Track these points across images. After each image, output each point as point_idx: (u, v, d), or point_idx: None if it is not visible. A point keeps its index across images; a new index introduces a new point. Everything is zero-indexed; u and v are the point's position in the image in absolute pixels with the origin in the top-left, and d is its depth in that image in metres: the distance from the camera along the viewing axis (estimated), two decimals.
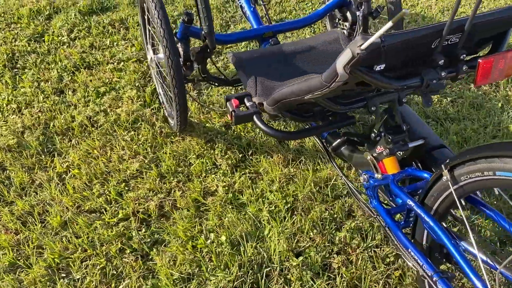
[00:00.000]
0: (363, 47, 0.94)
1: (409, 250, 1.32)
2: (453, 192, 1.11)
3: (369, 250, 1.67)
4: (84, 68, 2.55)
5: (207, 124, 2.19)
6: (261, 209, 1.80)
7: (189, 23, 1.88)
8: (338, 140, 1.66)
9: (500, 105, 2.31)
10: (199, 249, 1.66)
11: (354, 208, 1.81)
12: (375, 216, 1.52)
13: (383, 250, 1.66)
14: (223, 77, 1.98)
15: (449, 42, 1.05)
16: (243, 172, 1.96)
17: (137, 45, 2.69)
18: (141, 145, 2.08)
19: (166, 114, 2.21)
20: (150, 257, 1.65)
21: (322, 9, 2.21)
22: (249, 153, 2.05)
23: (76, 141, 2.11)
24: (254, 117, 1.60)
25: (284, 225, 1.73)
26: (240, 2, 2.27)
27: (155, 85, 2.34)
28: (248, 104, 1.64)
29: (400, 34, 0.96)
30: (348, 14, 2.22)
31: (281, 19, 2.94)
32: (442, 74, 1.07)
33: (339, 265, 1.62)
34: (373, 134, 1.38)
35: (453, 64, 1.08)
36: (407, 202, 1.26)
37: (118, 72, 2.50)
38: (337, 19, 2.29)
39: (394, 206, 1.51)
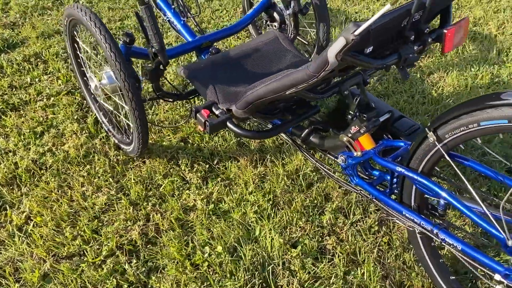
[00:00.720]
0: (357, 32, 1.03)
1: (404, 212, 1.45)
2: (440, 149, 1.26)
3: (355, 225, 1.79)
4: (10, 110, 2.34)
5: (163, 143, 2.15)
6: (245, 212, 1.82)
7: (131, 44, 1.84)
8: (306, 131, 1.75)
9: (418, 75, 2.59)
10: (199, 265, 1.64)
11: (328, 191, 1.92)
12: (359, 192, 1.63)
13: (366, 222, 1.79)
14: (177, 92, 1.97)
15: (413, 19, 1.19)
16: (215, 181, 1.96)
17: (63, 77, 2.54)
18: (101, 177, 1.98)
19: (117, 142, 2.13)
20: (150, 286, 1.59)
21: (251, 13, 2.29)
22: (215, 162, 2.06)
23: (28, 188, 1.94)
24: (228, 123, 1.63)
25: (273, 222, 1.77)
26: (168, 18, 2.27)
27: (95, 115, 2.24)
28: (217, 112, 1.66)
29: (381, 17, 1.06)
30: (275, 15, 2.33)
31: (202, 29, 2.97)
32: (415, 48, 1.21)
33: (333, 245, 1.71)
34: (349, 116, 1.49)
35: (420, 38, 1.22)
36: (396, 169, 1.39)
37: (50, 108, 2.34)
38: (264, 21, 2.39)
39: (373, 178, 1.65)
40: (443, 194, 1.28)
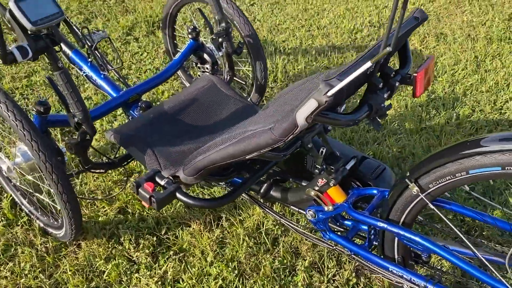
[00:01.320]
0: (330, 93, 0.88)
1: (390, 268, 1.31)
2: (425, 199, 1.13)
3: (332, 282, 1.62)
4: None
5: (99, 218, 1.86)
6: None
7: (46, 113, 1.56)
8: (265, 185, 1.58)
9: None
10: None
11: (296, 244, 1.74)
12: (334, 247, 1.48)
13: (343, 275, 1.63)
14: (108, 160, 1.70)
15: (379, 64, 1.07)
16: (167, 256, 1.71)
17: None
18: (29, 275, 1.65)
19: (42, 225, 1.80)
20: None
21: (179, 57, 2.09)
22: (163, 232, 1.80)
23: None
24: (178, 194, 1.41)
25: None
26: (85, 72, 2.00)
27: (11, 196, 1.89)
28: (162, 182, 1.43)
29: (349, 71, 0.92)
30: (206, 56, 2.15)
31: (125, 78, 2.71)
32: (385, 96, 1.08)
33: None
34: (316, 170, 1.34)
35: (387, 83, 1.10)
36: (377, 225, 1.25)
37: None
38: (194, 63, 2.20)
39: (346, 230, 1.50)
40: (435, 249, 1.15)
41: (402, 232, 1.19)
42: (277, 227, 1.80)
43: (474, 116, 2.38)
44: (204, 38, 2.15)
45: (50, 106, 1.57)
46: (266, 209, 1.61)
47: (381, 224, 1.23)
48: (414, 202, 1.17)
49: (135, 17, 3.22)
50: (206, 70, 2.18)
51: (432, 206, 1.13)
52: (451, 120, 2.35)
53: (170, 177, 1.45)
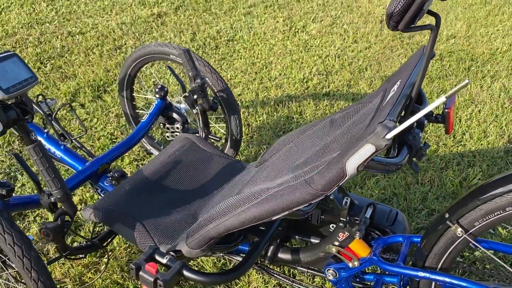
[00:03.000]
0: (389, 136, 0.80)
1: None
2: (468, 238, 1.07)
3: None
4: None
5: None
6: None
7: (9, 196, 1.33)
8: (272, 248, 1.43)
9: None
10: None
11: None
12: None
13: None
14: (87, 242, 1.46)
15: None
16: None
17: None
18: None
19: None
20: None
21: (147, 119, 1.95)
22: None
23: None
24: (185, 272, 1.22)
25: None
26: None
27: None
28: (164, 260, 1.24)
29: (405, 119, 0.85)
30: (175, 115, 2.03)
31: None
32: (420, 135, 1.03)
33: None
34: (341, 224, 1.23)
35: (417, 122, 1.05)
36: (418, 275, 1.15)
37: None
38: (162, 125, 2.06)
39: (369, 285, 1.39)
40: None
41: (449, 280, 1.10)
42: None
43: (440, 151, 2.45)
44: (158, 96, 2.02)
45: (14, 187, 1.33)
46: (275, 275, 1.46)
47: (422, 274, 1.14)
48: (456, 243, 1.10)
49: (77, 83, 3.01)
50: (176, 130, 2.04)
51: (480, 247, 1.06)
52: None
53: (171, 253, 1.27)
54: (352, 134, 1.07)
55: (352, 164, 0.87)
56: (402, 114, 1.10)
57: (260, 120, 2.71)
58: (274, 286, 1.66)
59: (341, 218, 1.22)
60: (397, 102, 0.92)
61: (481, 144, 2.51)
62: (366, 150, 0.84)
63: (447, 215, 1.08)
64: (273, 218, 1.08)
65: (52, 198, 1.28)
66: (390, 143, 0.82)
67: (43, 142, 1.75)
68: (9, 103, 1.16)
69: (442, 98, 0.75)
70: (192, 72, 1.75)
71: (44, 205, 1.32)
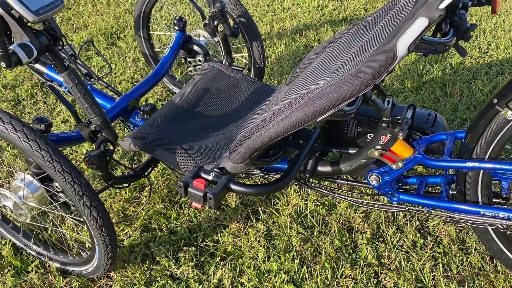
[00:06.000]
0: (443, 5, 0.76)
1: (481, 212, 1.22)
2: None
3: (400, 248, 1.51)
4: None
5: (124, 242, 1.63)
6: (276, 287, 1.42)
7: (48, 131, 1.33)
8: (311, 161, 1.43)
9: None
10: None
11: (345, 220, 1.62)
12: (407, 209, 1.36)
13: (408, 239, 1.53)
14: (129, 171, 1.48)
15: None
16: (214, 264, 1.52)
17: None
18: None
19: (59, 266, 1.55)
20: None
21: (168, 53, 1.90)
22: (200, 240, 1.61)
23: None
24: (232, 185, 1.24)
25: (314, 282, 1.41)
26: (67, 87, 1.76)
27: (10, 241, 1.61)
28: (210, 177, 1.25)
29: None
30: (196, 48, 1.99)
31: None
32: (466, 15, 0.99)
33: (393, 280, 1.42)
34: (384, 124, 1.21)
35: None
36: (466, 166, 1.15)
37: None
38: (183, 59, 2.03)
39: (412, 188, 1.40)
40: None
41: (499, 166, 1.10)
42: (320, 207, 1.67)
43: (466, 62, 2.39)
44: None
45: (51, 122, 1.34)
46: (315, 188, 1.47)
47: (470, 165, 1.14)
48: (505, 128, 1.08)
49: (89, 32, 2.97)
50: (199, 63, 2.01)
51: None
52: (446, 70, 2.34)
53: (216, 170, 1.28)
54: (394, 24, 1.03)
55: (403, 43, 0.84)
56: None
57: (278, 52, 2.66)
58: (312, 202, 1.68)
59: (384, 119, 1.21)
60: None
61: (509, 52, 2.44)
62: (419, 25, 0.81)
63: (495, 101, 1.06)
64: (318, 119, 1.07)
65: (91, 127, 1.29)
66: (444, 13, 0.78)
67: None
68: (40, 29, 1.14)
69: None
70: None
71: (84, 135, 1.33)
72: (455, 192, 1.30)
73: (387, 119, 1.20)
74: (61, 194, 1.34)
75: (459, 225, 1.54)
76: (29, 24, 1.12)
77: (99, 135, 1.32)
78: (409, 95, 2.18)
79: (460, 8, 0.99)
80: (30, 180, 1.37)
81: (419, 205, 1.32)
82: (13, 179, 1.41)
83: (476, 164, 1.13)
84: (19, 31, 1.08)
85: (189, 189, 1.20)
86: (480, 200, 1.25)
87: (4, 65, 1.06)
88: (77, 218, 1.47)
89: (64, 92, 1.79)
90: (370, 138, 1.37)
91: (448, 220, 1.30)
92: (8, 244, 1.62)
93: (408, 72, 2.33)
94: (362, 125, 1.40)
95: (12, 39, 1.13)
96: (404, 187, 1.40)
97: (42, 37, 1.13)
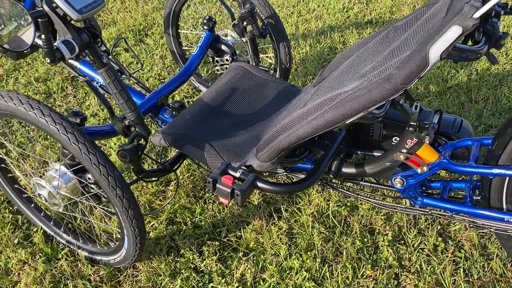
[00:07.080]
0: (477, 15, 0.78)
1: (506, 218, 1.23)
2: None
3: (421, 251, 1.53)
4: None
5: (150, 235, 1.68)
6: (296, 285, 1.45)
7: (82, 125, 1.39)
8: (336, 162, 1.45)
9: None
10: None
11: (367, 222, 1.64)
12: (429, 212, 1.38)
13: (429, 242, 1.54)
14: (159, 166, 1.53)
15: None
16: (237, 259, 1.56)
17: None
18: None
19: (87, 255, 1.61)
20: None
21: (197, 52, 1.95)
22: (223, 235, 1.65)
23: None
24: (258, 183, 1.27)
25: (335, 281, 1.43)
26: (100, 82, 1.82)
27: (41, 229, 1.68)
28: (238, 174, 1.29)
29: None
30: (224, 47, 2.03)
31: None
32: (498, 24, 1.00)
33: (414, 283, 1.43)
34: (411, 128, 1.23)
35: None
36: (492, 173, 1.16)
37: None
38: (211, 58, 2.07)
39: (436, 192, 1.41)
40: None
41: None
42: (342, 207, 1.69)
43: (492, 69, 2.37)
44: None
45: (86, 116, 1.40)
46: (338, 189, 1.50)
47: (497, 171, 1.15)
48: None
49: (118, 29, 3.04)
50: (226, 63, 2.05)
51: None
52: (472, 76, 2.33)
53: (243, 167, 1.32)
54: (426, 31, 1.05)
55: (436, 50, 0.86)
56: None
57: (303, 53, 2.68)
58: (334, 202, 1.71)
59: (411, 123, 1.23)
60: None
61: None
62: (452, 33, 0.83)
63: None
64: (347, 122, 1.09)
65: (126, 121, 1.34)
66: (478, 22, 0.80)
67: (100, 78, 1.80)
68: (81, 27, 1.19)
69: None
70: None
71: (118, 130, 1.38)
72: (479, 198, 1.31)
73: (414, 124, 1.22)
74: (93, 186, 1.40)
75: (481, 231, 1.55)
76: (72, 22, 1.17)
77: (132, 130, 1.37)
78: (434, 99, 2.18)
79: (493, 17, 1.00)
80: (65, 171, 1.42)
81: (442, 209, 1.33)
82: (46, 170, 1.47)
83: (502, 171, 1.14)
84: (63, 28, 1.13)
85: (217, 185, 1.24)
86: (504, 206, 1.26)
87: (48, 61, 1.12)
88: (107, 209, 1.53)
89: (101, 87, 1.85)
90: (396, 142, 1.39)
91: (471, 225, 1.31)
92: (40, 232, 1.69)
93: (433, 77, 2.33)
94: (387, 129, 1.41)
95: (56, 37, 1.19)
96: (427, 191, 1.42)
97: (83, 35, 1.19)
